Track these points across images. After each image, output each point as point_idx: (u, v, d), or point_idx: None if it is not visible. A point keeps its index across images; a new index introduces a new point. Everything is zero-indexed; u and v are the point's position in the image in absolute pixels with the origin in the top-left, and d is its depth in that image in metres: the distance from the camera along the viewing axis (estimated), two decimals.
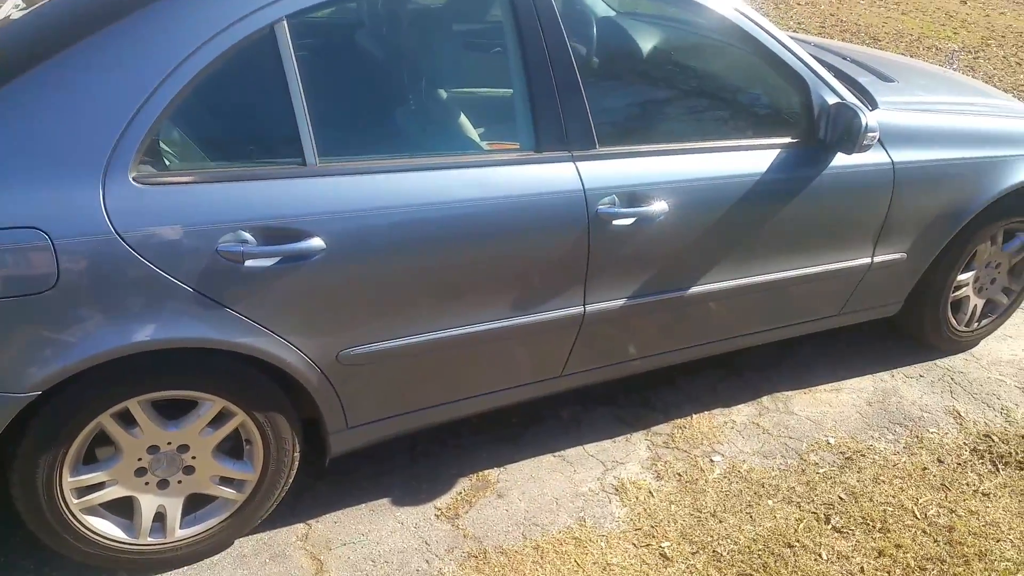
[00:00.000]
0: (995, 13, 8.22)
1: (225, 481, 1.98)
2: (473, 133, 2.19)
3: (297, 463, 2.04)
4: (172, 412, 1.84)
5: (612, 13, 2.82)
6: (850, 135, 2.24)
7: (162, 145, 1.70)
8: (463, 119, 2.19)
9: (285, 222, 1.73)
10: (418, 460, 2.42)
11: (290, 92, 1.75)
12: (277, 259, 1.73)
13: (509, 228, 1.97)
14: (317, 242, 1.75)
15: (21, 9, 1.88)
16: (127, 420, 1.79)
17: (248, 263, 1.70)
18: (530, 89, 2.00)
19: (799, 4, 8.09)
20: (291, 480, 2.06)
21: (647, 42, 2.74)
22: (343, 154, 1.84)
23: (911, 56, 6.70)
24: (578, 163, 2.04)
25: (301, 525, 2.16)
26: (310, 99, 1.77)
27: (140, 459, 1.84)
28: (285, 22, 1.74)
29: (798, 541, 2.22)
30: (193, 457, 1.90)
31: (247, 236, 1.70)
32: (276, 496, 2.05)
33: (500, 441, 2.51)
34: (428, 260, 1.91)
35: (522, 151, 2.03)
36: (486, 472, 2.40)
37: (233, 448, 1.97)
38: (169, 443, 1.85)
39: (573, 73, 2.02)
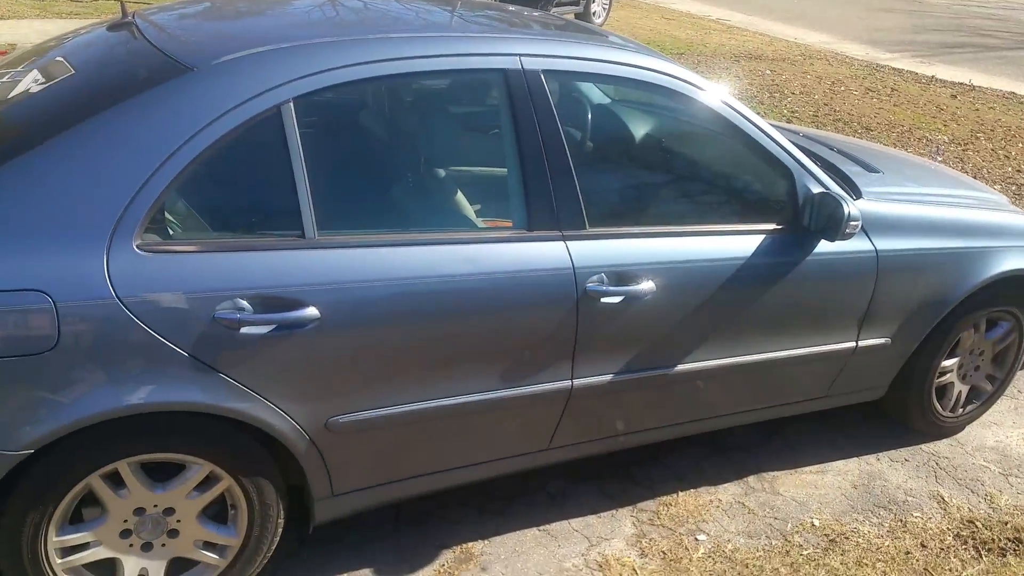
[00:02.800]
0: (984, 107, 8.40)
1: (208, 546, 1.99)
2: (469, 211, 2.26)
3: (281, 529, 2.05)
4: (159, 475, 1.86)
5: (607, 101, 2.95)
6: (833, 223, 2.31)
7: (167, 215, 1.77)
8: (460, 197, 2.27)
9: (282, 292, 1.79)
10: (402, 530, 2.42)
11: (293, 169, 1.83)
12: (272, 327, 1.78)
13: (499, 303, 2.03)
14: (312, 311, 1.80)
15: (41, 84, 1.98)
16: (116, 481, 1.81)
17: (244, 330, 1.75)
18: (523, 172, 2.08)
19: (793, 94, 8.28)
20: (274, 547, 2.06)
21: (639, 129, 2.86)
22: (340, 228, 1.91)
23: (902, 147, 6.84)
24: (568, 242, 2.11)
25: None
26: (312, 176, 1.85)
27: (126, 520, 1.86)
28: (292, 104, 1.83)
29: None
30: (178, 520, 1.91)
31: (244, 304, 1.75)
32: (258, 562, 2.05)
33: (485, 513, 2.52)
34: (418, 332, 1.96)
35: (515, 229, 2.10)
36: (470, 544, 2.40)
37: (218, 513, 1.98)
38: (155, 505, 1.87)
39: (565, 158, 2.11)
